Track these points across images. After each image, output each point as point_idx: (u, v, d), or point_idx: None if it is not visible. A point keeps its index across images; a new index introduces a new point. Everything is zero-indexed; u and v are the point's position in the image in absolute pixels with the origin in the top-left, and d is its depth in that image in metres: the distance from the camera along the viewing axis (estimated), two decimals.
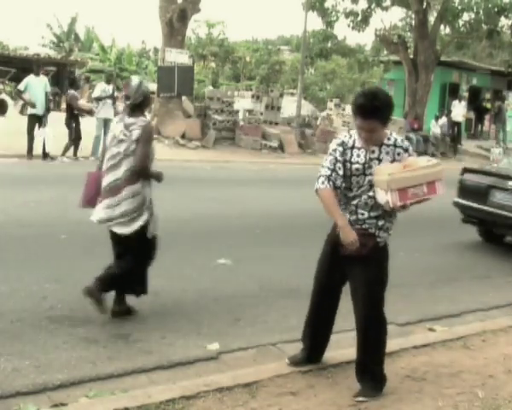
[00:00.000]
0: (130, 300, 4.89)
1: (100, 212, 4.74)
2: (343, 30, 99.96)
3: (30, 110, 13.37)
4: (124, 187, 4.64)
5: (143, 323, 4.72)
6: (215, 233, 7.78)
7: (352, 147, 3.70)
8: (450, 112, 25.25)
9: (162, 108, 18.98)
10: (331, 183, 3.65)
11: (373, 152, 3.66)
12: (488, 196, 8.15)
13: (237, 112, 20.28)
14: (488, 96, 31.57)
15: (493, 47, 28.39)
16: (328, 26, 24.68)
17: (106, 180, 4.74)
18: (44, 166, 12.82)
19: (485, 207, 8.16)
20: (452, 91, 29.03)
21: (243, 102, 22.65)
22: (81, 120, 14.29)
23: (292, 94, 29.08)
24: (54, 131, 13.34)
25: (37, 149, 13.16)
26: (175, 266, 6.08)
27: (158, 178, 4.81)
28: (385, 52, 27.93)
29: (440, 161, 3.73)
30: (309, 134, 21.40)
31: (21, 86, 13.43)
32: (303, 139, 20.89)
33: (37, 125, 13.16)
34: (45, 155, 13.24)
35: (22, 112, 19.61)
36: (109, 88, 14.65)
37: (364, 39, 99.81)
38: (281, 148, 19.63)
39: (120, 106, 14.53)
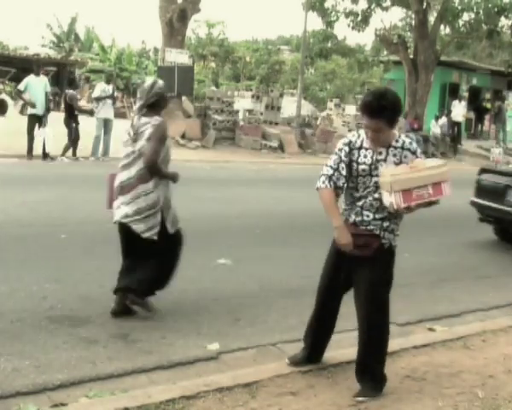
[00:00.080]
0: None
1: (117, 210, 4.77)
2: (343, 30, 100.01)
3: (30, 110, 13.38)
4: (136, 185, 4.66)
5: (143, 323, 4.72)
6: (215, 233, 7.77)
7: (360, 147, 3.68)
8: (450, 112, 25.27)
9: None
10: (332, 183, 3.65)
11: (380, 153, 3.64)
12: (505, 196, 8.27)
13: (237, 112, 20.29)
14: (488, 96, 31.59)
15: (493, 47, 28.43)
16: (328, 26, 24.70)
17: (119, 178, 4.77)
18: (44, 166, 12.83)
19: (502, 207, 8.27)
20: (452, 91, 29.04)
21: (243, 102, 22.65)
22: (80, 120, 14.30)
23: (292, 94, 29.08)
24: (54, 132, 13.35)
25: (37, 149, 13.17)
26: None
27: (173, 178, 4.82)
28: (385, 52, 27.94)
29: (446, 162, 3.69)
30: (309, 134, 21.41)
31: (21, 86, 13.44)
32: (303, 139, 20.90)
33: (37, 126, 13.17)
34: (45, 155, 13.24)
35: (22, 112, 19.61)
36: (109, 88, 14.66)
37: (364, 39, 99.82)
38: (281, 148, 19.64)
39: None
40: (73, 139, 13.80)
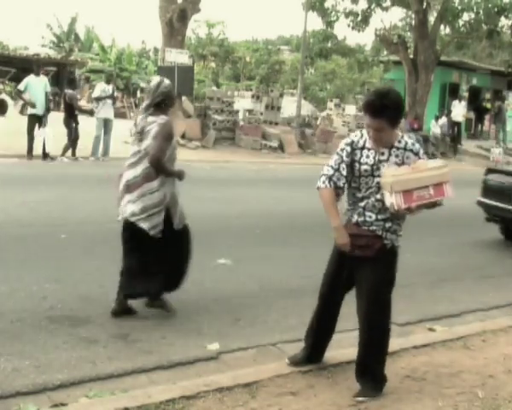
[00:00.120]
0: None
1: (123, 208, 4.77)
2: (343, 30, 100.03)
3: (30, 110, 13.38)
4: (142, 184, 4.68)
5: (143, 323, 4.72)
6: (215, 233, 7.77)
7: (363, 147, 3.67)
8: (450, 112, 25.27)
9: None
10: (332, 183, 3.65)
11: (382, 154, 3.63)
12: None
13: (237, 112, 20.29)
14: (488, 96, 31.60)
15: (493, 47, 28.44)
16: (328, 26, 24.71)
17: (126, 177, 4.78)
18: (44, 166, 12.83)
19: (509, 207, 8.38)
20: (452, 91, 29.05)
21: (243, 102, 22.65)
22: (80, 119, 14.30)
23: (292, 94, 29.09)
24: (54, 132, 13.35)
25: (37, 149, 13.16)
26: None
27: (179, 176, 4.84)
28: (385, 52, 27.94)
29: (447, 163, 3.68)
30: (309, 134, 21.41)
31: (21, 86, 13.43)
32: (303, 139, 20.90)
33: (37, 126, 13.16)
34: (45, 155, 13.24)
35: (22, 112, 19.61)
36: (109, 88, 14.65)
37: (364, 39, 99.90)
38: (281, 148, 19.64)
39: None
40: (73, 139, 13.80)
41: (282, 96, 22.78)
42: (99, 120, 14.27)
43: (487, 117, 30.73)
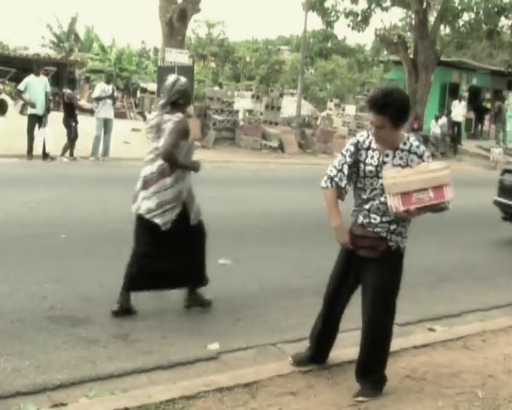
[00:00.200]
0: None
1: (138, 204, 4.86)
2: (343, 30, 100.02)
3: (30, 110, 13.38)
4: (157, 180, 4.76)
5: (143, 323, 4.72)
6: (215, 233, 7.73)
7: (368, 148, 3.66)
8: (450, 112, 25.27)
9: None
10: (334, 183, 3.67)
11: (387, 155, 3.62)
12: None
13: (237, 112, 20.29)
14: (488, 96, 31.59)
15: (493, 47, 28.43)
16: (328, 26, 24.71)
17: (143, 173, 4.87)
18: (44, 166, 12.83)
19: None
20: (452, 91, 29.05)
21: (243, 102, 22.65)
22: (80, 119, 14.30)
23: (292, 94, 29.09)
24: (54, 131, 13.35)
25: (37, 149, 13.17)
26: None
27: (194, 168, 4.91)
28: (385, 52, 27.94)
29: (448, 165, 3.62)
30: (309, 134, 21.41)
31: (21, 86, 13.44)
32: (303, 139, 20.90)
33: (37, 126, 13.17)
34: (45, 155, 13.25)
35: (22, 112, 19.61)
36: (109, 88, 14.66)
37: (364, 39, 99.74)
38: (281, 148, 19.64)
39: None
40: (72, 139, 13.80)
41: (282, 96, 22.79)
42: (99, 120, 14.28)
43: (487, 117, 30.73)
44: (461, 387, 3.93)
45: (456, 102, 25.75)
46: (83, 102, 20.49)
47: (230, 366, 4.14)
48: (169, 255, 4.83)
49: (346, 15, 23.96)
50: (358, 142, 3.71)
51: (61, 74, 29.00)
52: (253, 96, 21.49)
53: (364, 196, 3.70)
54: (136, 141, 17.93)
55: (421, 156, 3.63)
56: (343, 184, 3.67)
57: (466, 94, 29.42)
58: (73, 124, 13.76)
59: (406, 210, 3.50)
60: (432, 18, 26.16)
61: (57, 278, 5.52)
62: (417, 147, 3.65)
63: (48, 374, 3.75)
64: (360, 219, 3.71)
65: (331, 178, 3.67)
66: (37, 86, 13.21)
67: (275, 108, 20.90)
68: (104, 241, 6.94)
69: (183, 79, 4.94)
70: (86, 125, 14.66)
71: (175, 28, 18.87)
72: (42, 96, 13.21)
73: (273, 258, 6.91)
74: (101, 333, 4.45)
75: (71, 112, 13.88)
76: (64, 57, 33.09)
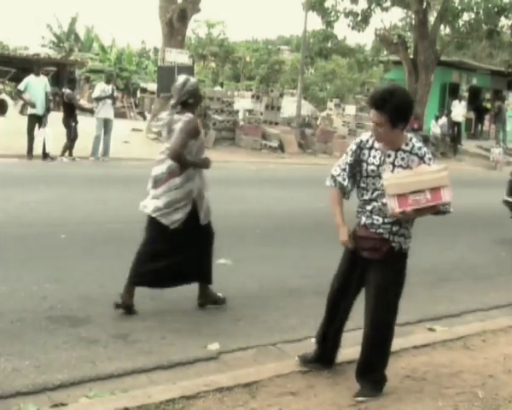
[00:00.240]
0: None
1: (147, 202, 4.90)
2: (343, 30, 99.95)
3: (30, 110, 13.39)
4: (167, 180, 4.80)
5: (143, 323, 4.71)
6: (215, 233, 7.75)
7: (371, 147, 3.66)
8: (450, 112, 25.27)
9: (162, 108, 18.90)
10: (336, 182, 3.71)
11: (389, 156, 3.61)
12: None
13: (237, 112, 20.29)
14: (488, 96, 31.58)
15: (493, 47, 28.43)
16: (328, 26, 24.71)
17: (154, 172, 4.91)
18: (44, 166, 12.83)
19: None
20: (452, 91, 29.04)
21: (243, 102, 22.65)
22: (80, 119, 14.30)
23: (292, 94, 29.09)
24: (54, 131, 13.35)
25: (37, 149, 13.17)
26: None
27: (204, 164, 4.96)
28: (385, 52, 27.94)
29: (446, 167, 3.59)
30: (309, 134, 21.41)
31: (21, 86, 13.44)
32: (303, 139, 20.90)
33: (37, 126, 13.17)
34: (45, 155, 13.25)
35: (22, 112, 19.63)
36: (109, 88, 14.66)
37: (364, 39, 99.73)
38: (281, 148, 19.64)
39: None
40: (72, 139, 13.80)
41: (282, 96, 22.78)
42: (99, 120, 14.28)
43: (487, 117, 30.73)
44: (461, 387, 3.93)
45: (456, 102, 25.75)
46: (83, 102, 20.51)
47: (230, 366, 4.14)
48: (176, 253, 4.86)
49: (346, 15, 23.96)
50: (362, 141, 3.72)
51: (61, 74, 29.02)
52: (253, 96, 21.49)
53: (367, 197, 3.69)
54: (136, 141, 17.94)
55: (422, 158, 3.60)
56: (346, 182, 3.69)
57: (466, 94, 29.42)
58: (73, 124, 13.76)
59: (402, 211, 3.47)
60: (432, 18, 26.16)
61: (57, 278, 5.52)
62: (419, 148, 3.63)
63: (48, 374, 3.75)
64: (363, 220, 3.70)
65: (334, 178, 3.72)
66: (37, 86, 13.21)
67: (275, 108, 20.89)
68: (104, 241, 6.95)
69: (193, 80, 5.00)
70: (86, 125, 14.66)
71: (175, 28, 18.85)
72: (42, 96, 13.21)
73: (273, 258, 6.91)
74: (101, 333, 4.45)
75: (70, 112, 13.88)
76: (64, 57, 33.11)
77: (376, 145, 3.65)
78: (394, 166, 3.60)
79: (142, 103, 32.17)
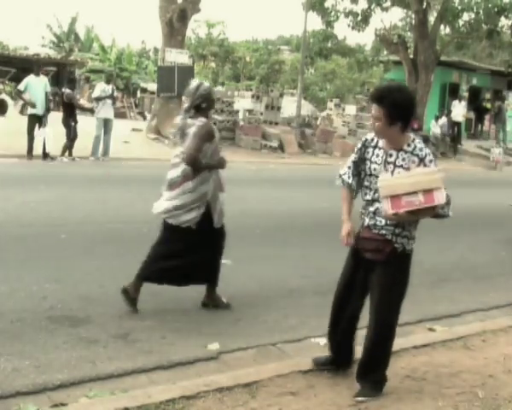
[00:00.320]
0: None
1: (159, 204, 4.96)
2: (343, 30, 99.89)
3: (30, 110, 13.38)
4: (182, 183, 4.85)
5: (143, 323, 4.71)
6: None
7: (375, 146, 3.69)
8: (450, 112, 25.27)
9: (162, 108, 18.97)
10: (343, 181, 3.79)
11: (390, 156, 3.62)
12: None
13: (237, 112, 20.29)
14: (488, 96, 31.59)
15: (493, 47, 28.44)
16: (328, 26, 24.72)
17: (169, 175, 4.97)
18: (44, 166, 12.83)
19: None
20: (452, 91, 29.04)
21: (243, 102, 22.65)
22: (80, 119, 14.30)
23: (292, 94, 29.09)
24: (54, 131, 13.35)
25: (37, 149, 13.17)
26: None
27: (220, 165, 5.01)
28: (385, 52, 27.94)
29: (440, 169, 3.56)
30: (309, 134, 21.41)
31: (21, 86, 13.44)
32: (303, 139, 20.90)
33: (37, 126, 13.16)
34: (45, 155, 13.25)
35: (22, 112, 19.62)
36: (109, 88, 14.66)
37: (364, 39, 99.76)
38: (281, 148, 19.63)
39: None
40: (71, 139, 13.80)
41: (282, 96, 22.78)
42: (99, 120, 14.28)
43: (487, 117, 30.73)
44: (461, 387, 3.93)
45: (456, 102, 25.75)
46: (83, 102, 20.50)
47: (230, 366, 4.14)
48: (190, 254, 4.91)
49: (346, 15, 23.97)
50: (367, 140, 3.75)
51: (61, 74, 29.01)
52: (253, 96, 21.49)
53: (369, 197, 3.69)
54: (136, 141, 17.95)
55: (422, 160, 3.58)
56: (350, 180, 3.75)
57: (466, 94, 29.42)
58: (73, 124, 13.75)
59: (395, 213, 3.46)
60: (432, 18, 26.16)
61: (57, 278, 5.52)
62: (420, 149, 3.61)
63: (48, 374, 3.75)
64: (366, 221, 3.71)
65: (341, 176, 3.80)
66: (37, 86, 13.21)
67: (275, 108, 20.90)
68: (104, 241, 6.95)
69: (205, 84, 5.04)
70: (86, 125, 14.66)
71: (175, 28, 18.84)
72: (42, 96, 13.21)
73: (273, 258, 6.91)
74: (101, 333, 4.45)
75: (70, 112, 13.88)
76: (64, 57, 33.10)
77: (380, 144, 3.66)
78: (395, 165, 3.60)
79: (142, 103, 32.19)
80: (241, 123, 20.06)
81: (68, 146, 13.80)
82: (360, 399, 3.64)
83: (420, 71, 23.85)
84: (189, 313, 5.03)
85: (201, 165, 4.83)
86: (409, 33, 28.07)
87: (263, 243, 7.59)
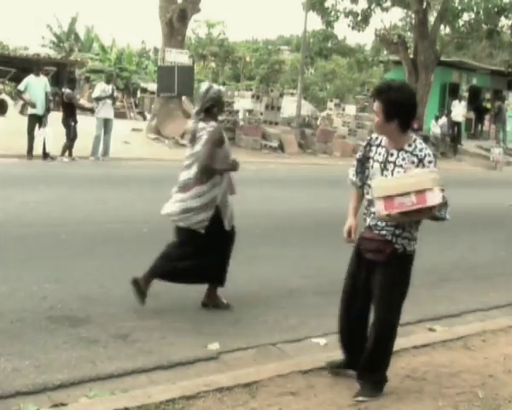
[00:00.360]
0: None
1: (169, 206, 4.99)
2: (343, 30, 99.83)
3: (30, 110, 13.39)
4: (193, 186, 4.90)
5: (143, 323, 4.71)
6: None
7: (378, 145, 3.71)
8: (450, 112, 25.27)
9: (162, 108, 18.98)
10: (351, 181, 3.85)
11: (391, 155, 3.63)
12: None
13: (237, 112, 20.28)
14: (488, 96, 31.57)
15: (493, 47, 28.46)
16: (328, 26, 24.74)
17: (181, 177, 5.02)
18: (44, 166, 12.83)
19: None
20: (452, 91, 29.04)
21: (243, 102, 22.65)
22: (80, 119, 14.30)
23: (292, 94, 29.10)
24: (54, 131, 13.35)
25: (37, 149, 13.17)
26: None
27: (233, 168, 5.13)
28: (385, 52, 27.95)
29: (435, 170, 3.52)
30: (309, 134, 21.41)
31: (21, 86, 13.44)
32: (303, 139, 20.89)
33: (37, 126, 13.16)
34: (45, 155, 13.25)
35: (22, 112, 19.63)
36: (109, 88, 14.66)
37: (364, 39, 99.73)
38: (281, 148, 19.63)
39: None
40: (71, 138, 13.80)
41: (282, 96, 22.79)
42: (99, 120, 14.28)
43: (487, 117, 30.72)
44: (461, 387, 3.93)
45: (456, 102, 25.75)
46: (83, 102, 20.51)
47: (230, 366, 4.14)
48: (199, 257, 4.94)
49: (346, 15, 23.98)
50: (371, 138, 3.78)
51: (61, 74, 29.02)
52: (253, 96, 21.49)
53: (370, 196, 3.69)
54: (136, 141, 17.95)
55: (421, 160, 3.57)
56: (354, 178, 3.80)
57: (466, 94, 29.41)
58: (72, 124, 13.75)
59: (388, 214, 3.45)
60: (432, 18, 26.17)
61: (57, 278, 5.52)
62: (420, 150, 3.61)
63: (48, 374, 3.75)
64: (368, 221, 3.71)
65: (349, 176, 3.85)
66: (37, 86, 13.21)
67: (275, 108, 20.90)
68: (104, 241, 6.95)
69: (216, 87, 5.12)
70: (86, 125, 14.66)
71: (175, 28, 18.85)
72: (42, 96, 13.21)
73: (273, 258, 6.91)
74: (101, 333, 4.45)
75: (70, 112, 13.88)
76: (64, 57, 33.10)
77: (383, 143, 3.68)
78: (395, 165, 3.60)
79: (142, 103, 32.20)
80: (241, 123, 20.05)
81: (68, 146, 13.80)
82: (360, 399, 3.64)
83: (420, 71, 23.86)
84: (189, 312, 5.03)
85: (216, 171, 4.92)
86: (409, 33, 28.10)
87: (263, 243, 7.58)
